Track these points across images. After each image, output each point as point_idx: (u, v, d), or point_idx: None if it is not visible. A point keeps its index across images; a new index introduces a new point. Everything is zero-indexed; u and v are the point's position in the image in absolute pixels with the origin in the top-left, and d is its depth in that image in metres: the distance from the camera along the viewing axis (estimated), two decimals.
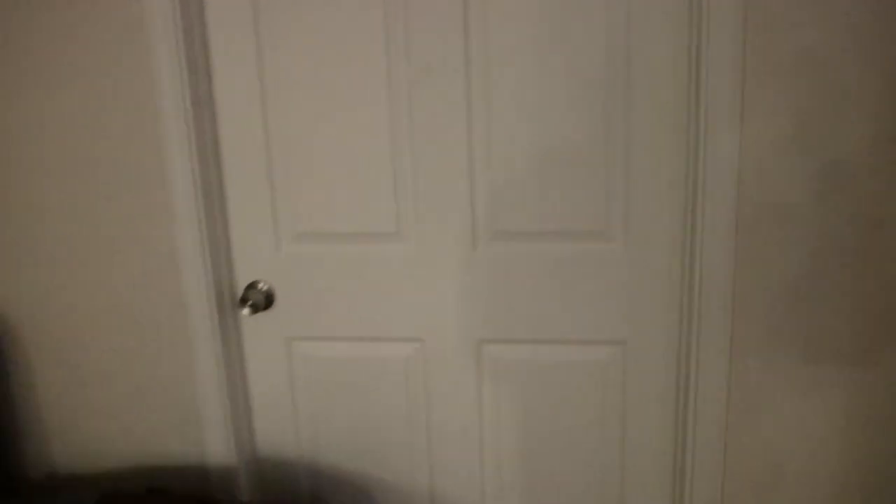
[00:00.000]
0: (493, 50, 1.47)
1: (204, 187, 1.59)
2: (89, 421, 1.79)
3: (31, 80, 1.56)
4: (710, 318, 1.50)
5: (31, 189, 1.63)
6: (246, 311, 1.66)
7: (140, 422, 1.77)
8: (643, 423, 1.67)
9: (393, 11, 1.48)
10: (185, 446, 1.77)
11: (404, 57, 1.50)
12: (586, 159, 1.51)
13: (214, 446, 1.74)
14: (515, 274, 1.60)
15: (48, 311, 1.72)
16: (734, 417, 1.57)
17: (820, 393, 1.53)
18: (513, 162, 1.53)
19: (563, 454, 1.71)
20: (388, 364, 1.71)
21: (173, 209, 1.59)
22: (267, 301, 1.70)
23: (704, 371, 1.53)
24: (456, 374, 1.69)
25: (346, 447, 1.78)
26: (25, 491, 1.80)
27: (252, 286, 1.70)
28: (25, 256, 1.69)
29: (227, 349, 1.70)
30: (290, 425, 1.78)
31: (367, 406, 1.74)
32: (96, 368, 1.74)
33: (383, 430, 1.75)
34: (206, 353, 1.67)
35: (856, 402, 1.53)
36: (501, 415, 1.70)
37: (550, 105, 1.49)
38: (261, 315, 1.71)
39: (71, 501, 1.58)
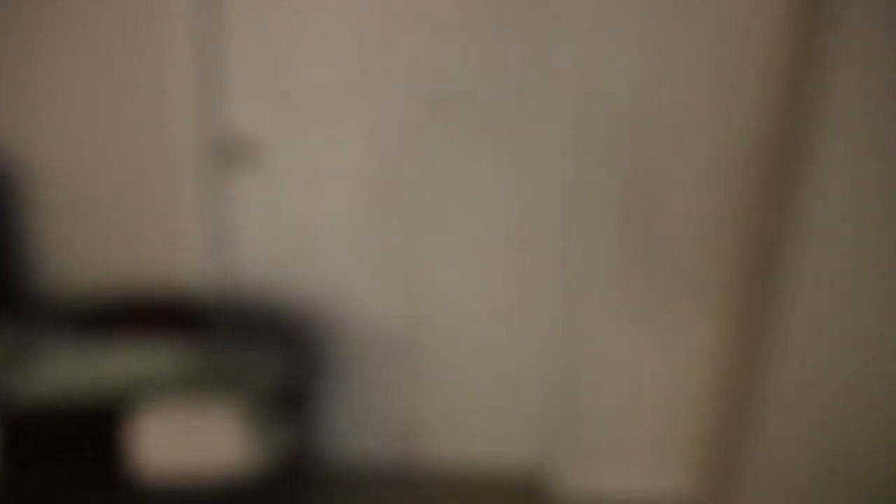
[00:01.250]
0: None
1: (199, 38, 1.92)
2: (85, 252, 2.12)
3: None
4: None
5: (41, 34, 1.94)
6: (237, 151, 2.00)
7: (132, 250, 2.11)
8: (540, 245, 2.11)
9: None
10: (171, 269, 2.13)
11: None
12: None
13: (196, 269, 2.10)
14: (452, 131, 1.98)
15: (53, 149, 2.02)
16: None
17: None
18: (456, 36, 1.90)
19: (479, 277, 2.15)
20: (351, 201, 2.08)
21: (163, 53, 1.92)
22: (254, 146, 2.05)
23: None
24: (401, 209, 2.08)
25: (310, 274, 2.16)
26: (28, 310, 2.14)
27: (242, 134, 2.04)
28: (35, 100, 2.00)
29: (214, 187, 2.04)
30: (265, 255, 2.14)
31: (330, 239, 2.11)
32: (90, 204, 2.07)
33: (342, 258, 2.14)
34: (191, 190, 2.02)
35: None
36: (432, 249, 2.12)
37: None
38: (248, 157, 2.05)
39: (76, 315, 1.93)
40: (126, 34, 1.91)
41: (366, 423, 2.29)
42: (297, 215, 2.11)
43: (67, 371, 1.64)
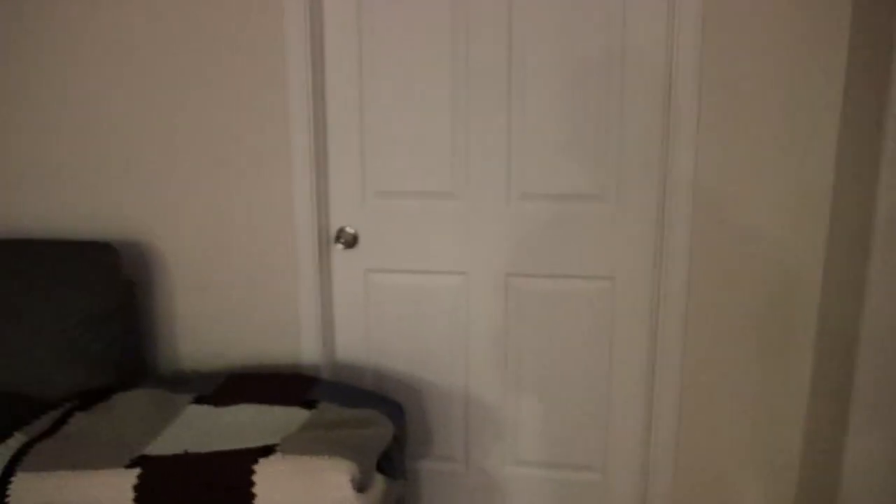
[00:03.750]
0: (528, 55, 2.10)
1: (315, 155, 2.22)
2: (211, 328, 2.40)
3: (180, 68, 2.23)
4: (675, 260, 2.08)
5: (172, 134, 2.29)
6: (339, 246, 2.28)
7: (250, 330, 2.38)
8: (626, 335, 2.24)
9: (457, 24, 2.12)
10: (284, 350, 2.37)
11: (464, 60, 2.14)
12: (590, 143, 2.12)
13: (306, 350, 2.34)
14: (536, 225, 2.20)
15: (185, 237, 2.34)
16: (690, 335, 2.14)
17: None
18: (538, 145, 2.14)
19: (566, 362, 2.28)
20: (439, 291, 2.30)
21: (291, 166, 2.22)
22: (353, 241, 2.31)
23: (669, 298, 2.11)
24: (488, 300, 2.28)
25: (403, 355, 2.37)
26: (158, 381, 2.40)
27: (342, 229, 2.31)
28: (168, 190, 2.33)
29: (322, 275, 2.31)
30: (361, 336, 2.38)
31: (420, 323, 2.33)
32: (219, 287, 2.37)
33: (432, 343, 2.34)
34: (307, 277, 2.29)
35: None
36: (522, 331, 2.28)
37: (562, 100, 2.10)
38: (347, 251, 2.33)
39: (204, 380, 2.19)
40: (259, 145, 2.24)
41: (451, 490, 2.43)
42: (389, 299, 2.34)
43: (198, 428, 1.86)
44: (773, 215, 2.05)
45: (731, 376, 2.17)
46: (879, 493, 1.93)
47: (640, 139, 2.11)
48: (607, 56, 2.07)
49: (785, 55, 1.96)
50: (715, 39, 1.98)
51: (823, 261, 2.06)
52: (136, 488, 1.63)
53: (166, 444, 1.79)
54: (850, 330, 1.88)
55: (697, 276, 2.12)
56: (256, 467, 1.63)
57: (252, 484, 1.61)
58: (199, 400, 2.01)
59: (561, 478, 2.37)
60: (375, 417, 1.91)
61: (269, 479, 1.61)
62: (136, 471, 1.66)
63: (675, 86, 2.01)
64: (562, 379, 2.30)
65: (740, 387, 2.17)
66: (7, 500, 1.66)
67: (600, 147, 2.13)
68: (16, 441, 1.79)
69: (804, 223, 2.04)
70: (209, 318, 2.38)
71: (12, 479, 1.67)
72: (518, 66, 2.12)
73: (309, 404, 1.96)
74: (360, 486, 1.64)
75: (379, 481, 1.71)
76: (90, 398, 2.04)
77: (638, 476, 2.33)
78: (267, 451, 1.69)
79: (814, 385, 2.11)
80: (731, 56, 1.98)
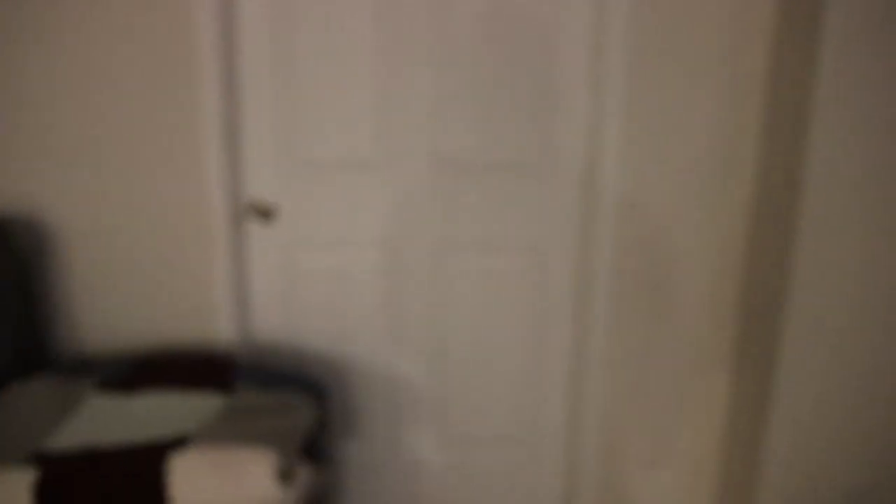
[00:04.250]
0: (452, 24, 2.00)
1: (226, 121, 2.07)
2: (115, 310, 2.22)
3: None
4: (601, 228, 2.05)
5: (72, 110, 2.10)
6: (255, 219, 2.14)
7: (160, 310, 2.22)
8: (553, 307, 2.20)
9: None
10: (198, 331, 2.23)
11: (386, 23, 2.02)
12: (515, 111, 2.04)
13: (222, 330, 2.20)
14: (461, 196, 2.12)
15: (81, 213, 2.15)
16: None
17: None
18: (461, 112, 2.06)
19: (493, 336, 2.23)
20: (362, 265, 2.20)
21: (200, 132, 2.07)
22: (270, 213, 2.18)
23: (596, 269, 2.08)
24: (413, 274, 2.19)
25: (325, 334, 2.26)
26: (57, 369, 2.23)
27: (258, 201, 2.18)
28: (65, 163, 2.13)
29: (237, 250, 2.17)
30: (281, 315, 2.26)
31: (343, 300, 2.23)
32: (123, 265, 2.19)
33: (354, 320, 2.24)
34: (220, 253, 2.14)
35: None
36: (447, 305, 2.21)
37: (494, 69, 2.02)
38: (265, 224, 2.19)
39: (110, 366, 2.03)
40: (164, 111, 2.07)
41: (379, 473, 2.36)
42: (309, 274, 2.22)
43: (104, 420, 1.72)
44: (697, 180, 2.03)
45: (656, 348, 2.16)
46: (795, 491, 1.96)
47: (566, 108, 2.05)
48: (532, 20, 2.00)
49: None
50: (645, 15, 1.93)
51: (748, 225, 2.06)
52: (36, 488, 1.49)
53: (68, 437, 1.63)
54: (775, 297, 1.89)
55: (622, 248, 2.09)
56: (169, 461, 1.51)
57: (165, 480, 1.48)
58: (104, 387, 1.86)
59: (489, 456, 2.33)
60: (297, 401, 1.81)
61: (184, 472, 1.49)
62: (34, 470, 1.51)
63: (605, 59, 1.96)
64: (488, 353, 2.25)
65: (665, 359, 2.17)
66: None
67: (525, 114, 2.06)
68: None
69: (728, 209, 2.04)
70: (115, 298, 2.21)
71: None
72: (445, 30, 2.02)
73: (226, 388, 1.84)
74: (284, 476, 1.54)
75: (304, 470, 1.61)
76: None
77: (566, 453, 2.31)
78: (180, 442, 1.56)
79: (737, 354, 2.12)
80: (658, 20, 1.94)
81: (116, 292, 2.20)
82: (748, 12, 1.92)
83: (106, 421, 1.71)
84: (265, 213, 2.17)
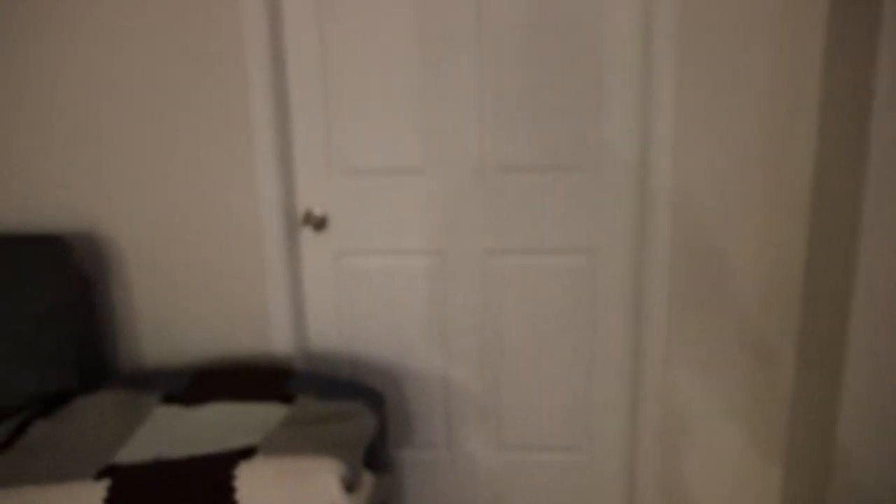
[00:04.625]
0: (497, 27, 2.00)
1: (277, 133, 2.10)
2: (174, 323, 2.27)
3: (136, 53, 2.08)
4: (656, 231, 2.03)
5: (130, 125, 2.14)
6: (308, 228, 2.17)
7: (217, 322, 2.25)
8: (608, 309, 2.18)
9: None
10: (254, 341, 2.26)
11: (434, 30, 2.03)
12: (566, 112, 2.03)
13: (278, 340, 2.23)
14: (513, 199, 2.11)
15: (142, 231, 2.20)
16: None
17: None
18: (511, 115, 2.05)
19: (547, 340, 2.22)
20: (414, 272, 2.21)
21: (253, 148, 2.09)
22: (322, 223, 2.20)
23: (652, 266, 2.06)
24: (466, 279, 2.19)
25: (379, 341, 2.27)
26: (120, 382, 2.27)
27: (310, 211, 2.20)
28: (124, 179, 2.18)
29: (290, 261, 2.19)
30: (335, 323, 2.27)
31: (395, 307, 2.24)
32: (181, 279, 2.23)
33: (407, 326, 2.25)
34: (274, 264, 2.17)
35: None
36: (500, 309, 2.20)
37: (540, 70, 2.01)
38: (317, 234, 2.21)
39: (171, 378, 2.06)
40: (217, 125, 2.10)
41: (436, 479, 2.36)
42: (361, 282, 2.24)
43: (170, 431, 1.75)
44: (753, 177, 2.00)
45: (716, 346, 2.13)
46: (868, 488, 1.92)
47: (617, 108, 2.03)
48: (582, 21, 1.98)
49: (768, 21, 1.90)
50: (695, 5, 1.91)
51: (807, 222, 2.02)
52: (107, 501, 1.52)
53: (136, 450, 1.67)
54: (841, 297, 1.85)
55: (678, 248, 2.06)
56: (237, 471, 1.53)
57: (234, 490, 1.50)
58: (167, 400, 1.89)
59: (546, 460, 2.32)
60: (358, 409, 1.82)
61: (252, 483, 1.51)
62: (106, 482, 1.54)
63: (654, 54, 1.94)
64: (543, 357, 2.24)
65: (724, 357, 2.13)
66: None
67: (575, 116, 2.05)
68: None
69: (786, 201, 2.00)
70: (172, 312, 2.25)
71: None
72: (490, 34, 2.02)
73: (287, 398, 1.86)
74: (349, 486, 1.55)
75: (367, 479, 1.62)
76: (49, 404, 1.91)
77: (625, 455, 2.29)
78: (247, 452, 1.58)
79: (799, 361, 2.08)
80: (710, 14, 1.91)
81: (174, 306, 2.24)
82: (802, 4, 1.88)
83: (172, 432, 1.74)
84: (317, 223, 2.19)
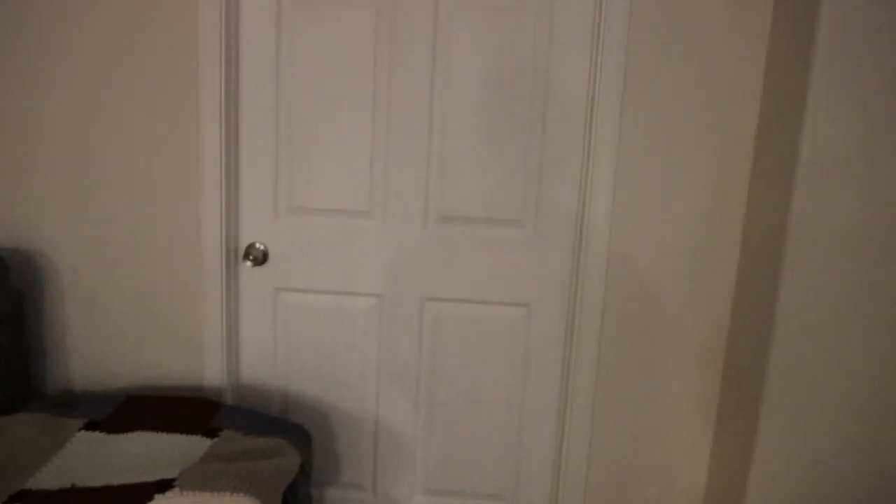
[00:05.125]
0: (451, 79, 2.06)
1: (226, 167, 2.12)
2: (105, 345, 2.25)
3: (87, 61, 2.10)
4: (589, 289, 2.09)
5: (74, 143, 2.15)
6: (248, 263, 2.18)
7: (149, 348, 2.24)
8: (540, 363, 2.23)
9: (381, 49, 2.06)
10: (185, 370, 2.25)
11: (386, 79, 2.08)
12: (511, 168, 2.10)
13: (210, 371, 2.22)
14: (454, 249, 2.16)
15: (79, 249, 2.19)
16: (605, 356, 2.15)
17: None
18: (458, 167, 2.11)
19: (480, 389, 2.25)
20: (353, 313, 2.23)
21: (201, 179, 2.11)
22: (263, 258, 2.22)
23: (584, 324, 2.12)
24: (403, 324, 2.22)
25: (312, 379, 2.28)
26: (45, 403, 2.24)
27: (252, 245, 2.21)
28: (64, 198, 2.17)
29: (228, 293, 2.20)
30: (269, 358, 2.28)
31: (332, 346, 2.26)
32: (116, 302, 2.22)
33: (343, 367, 2.26)
34: (212, 295, 2.18)
35: None
36: (436, 356, 2.24)
37: (484, 124, 2.07)
38: (257, 268, 2.23)
39: (97, 403, 2.04)
40: (165, 151, 2.11)
41: None
42: (299, 319, 2.25)
43: (89, 458, 1.73)
44: (686, 240, 2.08)
45: (641, 402, 2.19)
46: None
47: (560, 167, 2.10)
48: (530, 83, 2.06)
49: (703, 90, 2.00)
50: (637, 69, 2.00)
51: (734, 284, 2.10)
52: None
53: (51, 476, 1.65)
54: (759, 357, 1.93)
55: (611, 306, 2.13)
56: None
57: None
58: (90, 426, 1.87)
59: None
60: (281, 447, 1.83)
61: None
62: None
63: (596, 118, 2.02)
64: (474, 406, 2.27)
65: (650, 416, 2.19)
66: None
67: (519, 173, 2.11)
68: None
69: (716, 249, 2.08)
70: (105, 334, 2.23)
71: None
72: (440, 86, 2.08)
73: (211, 432, 1.86)
74: None
75: None
76: None
77: None
78: (164, 485, 1.58)
79: (720, 413, 2.15)
80: (651, 84, 2.01)
81: (107, 328, 2.23)
82: (740, 78, 1.98)
83: (91, 460, 1.72)
84: (258, 257, 2.20)
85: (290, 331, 2.26)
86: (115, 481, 1.62)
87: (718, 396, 2.17)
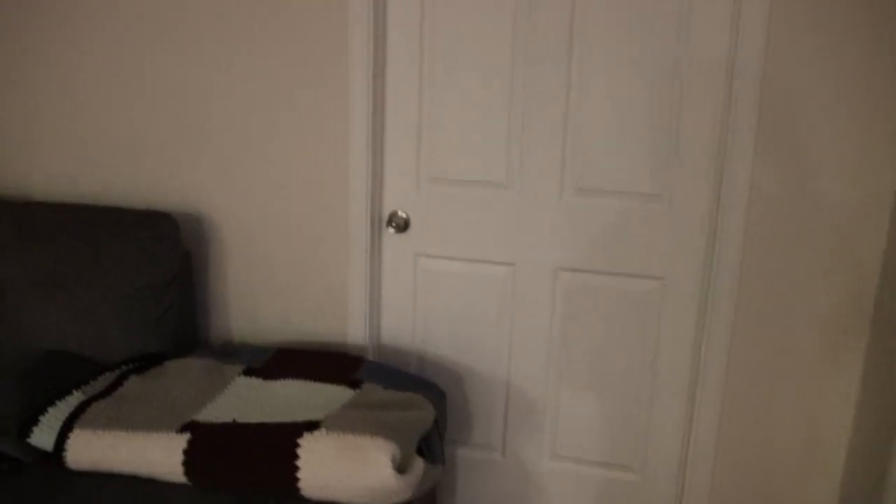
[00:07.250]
0: (588, 52, 2.09)
1: (373, 139, 2.25)
2: (261, 303, 2.45)
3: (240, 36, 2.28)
4: (725, 265, 2.07)
5: (232, 106, 2.34)
6: (391, 230, 2.31)
7: (299, 307, 2.43)
8: (672, 337, 2.24)
9: (520, 22, 2.12)
10: (331, 329, 2.42)
11: (524, 54, 2.14)
12: (647, 143, 2.11)
13: (353, 330, 2.38)
14: (589, 220, 2.20)
15: (241, 215, 2.40)
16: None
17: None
18: (594, 141, 2.14)
19: (610, 359, 2.29)
20: (487, 280, 2.32)
21: (349, 146, 2.26)
22: (405, 225, 2.34)
23: (719, 297, 2.11)
24: (536, 293, 2.29)
25: (448, 341, 2.39)
26: (209, 351, 2.46)
27: (395, 213, 2.34)
28: (226, 163, 2.38)
29: (372, 258, 2.34)
30: (408, 320, 2.41)
31: (467, 311, 2.36)
32: (271, 264, 2.42)
33: (477, 331, 2.36)
34: (357, 260, 2.33)
35: None
36: (567, 325, 2.29)
37: (622, 97, 2.09)
38: (399, 235, 2.36)
39: (253, 353, 2.24)
40: (318, 121, 2.27)
41: (487, 479, 2.46)
42: (437, 285, 2.36)
43: (246, 399, 1.92)
44: (830, 219, 2.02)
45: (776, 381, 2.15)
46: None
47: (698, 142, 2.09)
48: (671, 57, 2.06)
49: (850, 70, 1.93)
50: (779, 48, 1.95)
51: (882, 264, 2.02)
52: (186, 452, 1.70)
53: (216, 411, 1.85)
54: None
55: (746, 282, 2.10)
56: (301, 440, 1.68)
57: (296, 456, 1.65)
58: (248, 372, 2.07)
59: (597, 475, 2.38)
60: (418, 400, 1.95)
61: (313, 452, 1.66)
62: (187, 435, 1.72)
63: (736, 89, 1.99)
64: (605, 375, 2.31)
65: (784, 393, 2.15)
66: (64, 453, 1.74)
67: (657, 146, 2.12)
68: (74, 399, 1.87)
69: (864, 229, 2.01)
70: (260, 292, 2.44)
71: (70, 434, 1.75)
72: (579, 58, 2.12)
73: (354, 384, 2.01)
74: (401, 467, 1.68)
75: (418, 464, 1.74)
76: (145, 363, 2.12)
77: (677, 482, 2.33)
78: (312, 426, 1.73)
79: (863, 389, 2.07)
80: (794, 64, 1.95)
81: (263, 287, 2.43)
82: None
83: (248, 400, 1.91)
84: (400, 225, 2.33)
85: (428, 295, 2.38)
86: (269, 420, 1.79)
87: (861, 377, 2.09)
